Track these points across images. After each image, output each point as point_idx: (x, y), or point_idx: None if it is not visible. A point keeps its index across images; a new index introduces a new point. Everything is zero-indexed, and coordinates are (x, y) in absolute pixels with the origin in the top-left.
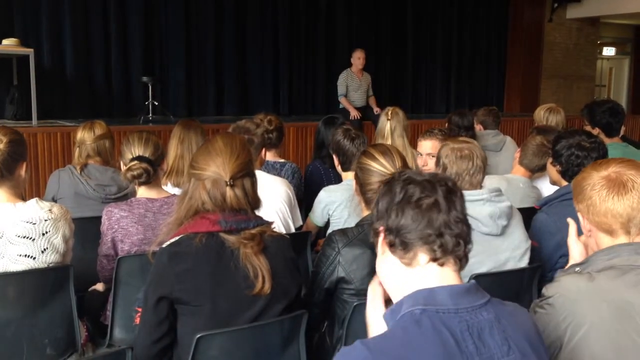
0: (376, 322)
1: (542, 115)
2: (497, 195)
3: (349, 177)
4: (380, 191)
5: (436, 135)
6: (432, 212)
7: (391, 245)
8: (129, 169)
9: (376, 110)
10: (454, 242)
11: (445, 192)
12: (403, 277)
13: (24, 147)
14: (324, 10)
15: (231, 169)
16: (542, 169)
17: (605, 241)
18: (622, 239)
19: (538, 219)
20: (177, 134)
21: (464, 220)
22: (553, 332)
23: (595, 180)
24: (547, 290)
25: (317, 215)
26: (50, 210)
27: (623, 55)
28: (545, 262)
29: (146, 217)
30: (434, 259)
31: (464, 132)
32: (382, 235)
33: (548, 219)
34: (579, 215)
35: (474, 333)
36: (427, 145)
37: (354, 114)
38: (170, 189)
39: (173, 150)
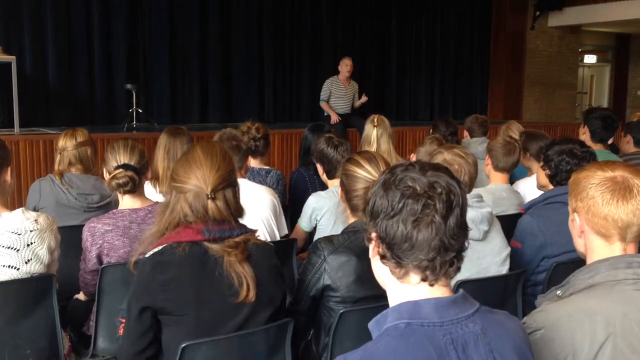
0: None
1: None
2: (478, 200)
3: (335, 184)
4: (377, 188)
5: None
6: (428, 232)
7: (383, 257)
8: (113, 177)
9: (360, 101)
10: (447, 265)
11: (445, 202)
12: (393, 284)
13: (6, 151)
14: (309, 18)
15: (212, 182)
16: (517, 164)
17: (597, 244)
18: (617, 245)
19: (523, 220)
20: (164, 143)
21: (461, 229)
22: None
23: (600, 180)
24: (535, 320)
25: (305, 220)
26: (36, 220)
27: (604, 62)
28: (527, 264)
29: (131, 229)
30: (425, 279)
31: (449, 139)
32: (374, 243)
33: (532, 221)
34: (572, 211)
35: (459, 347)
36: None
37: (334, 118)
38: (156, 195)
39: (160, 160)
